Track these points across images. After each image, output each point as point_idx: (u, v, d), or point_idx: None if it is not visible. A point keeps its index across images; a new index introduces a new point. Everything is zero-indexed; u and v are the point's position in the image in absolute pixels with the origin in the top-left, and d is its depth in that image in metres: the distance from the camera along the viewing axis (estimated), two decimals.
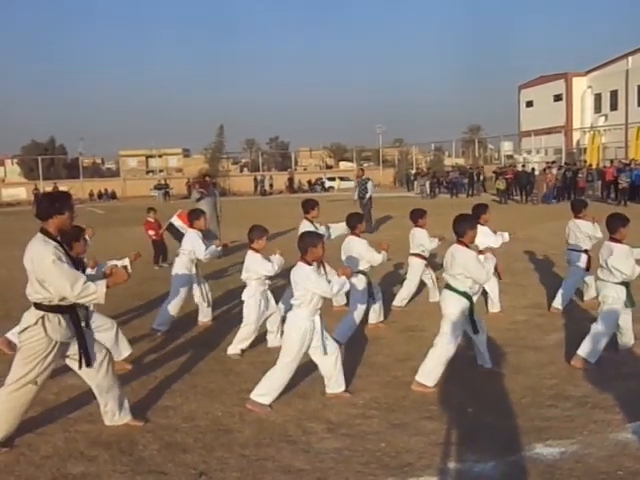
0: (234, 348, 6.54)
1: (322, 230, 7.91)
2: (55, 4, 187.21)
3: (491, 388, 5.45)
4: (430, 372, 5.41)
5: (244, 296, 6.54)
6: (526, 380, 5.58)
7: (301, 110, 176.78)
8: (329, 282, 5.05)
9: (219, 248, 8.12)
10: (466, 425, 4.71)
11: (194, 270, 7.69)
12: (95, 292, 4.26)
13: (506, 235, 7.71)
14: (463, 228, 5.51)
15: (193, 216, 7.87)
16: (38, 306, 4.33)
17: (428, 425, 4.70)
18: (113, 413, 4.78)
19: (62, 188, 49.03)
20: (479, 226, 7.17)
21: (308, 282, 5.01)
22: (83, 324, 4.62)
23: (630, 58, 48.61)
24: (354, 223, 7.10)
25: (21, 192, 50.04)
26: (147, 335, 7.43)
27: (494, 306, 7.93)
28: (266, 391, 5.11)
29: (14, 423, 4.45)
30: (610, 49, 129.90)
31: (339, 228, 7.97)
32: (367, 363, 6.24)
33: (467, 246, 5.48)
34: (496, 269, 7.51)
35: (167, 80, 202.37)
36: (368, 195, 18.53)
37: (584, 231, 7.73)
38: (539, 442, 4.34)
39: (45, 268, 4.21)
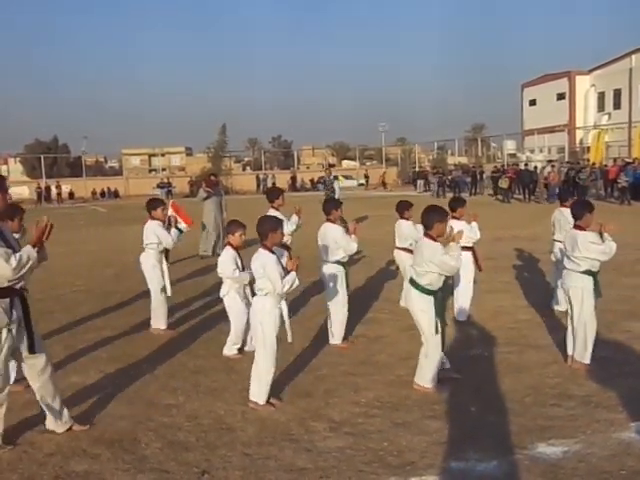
0: (230, 349, 6.51)
1: (294, 219, 7.91)
2: (57, 3, 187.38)
3: (494, 387, 5.44)
4: (425, 373, 5.39)
5: (221, 294, 6.51)
6: (529, 379, 5.57)
7: (304, 109, 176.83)
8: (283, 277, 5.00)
9: (183, 227, 7.78)
10: (469, 424, 4.70)
11: (164, 261, 7.57)
12: (29, 257, 4.26)
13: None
14: (432, 220, 5.30)
15: (151, 206, 7.57)
16: None
17: (431, 424, 4.69)
18: (56, 418, 4.66)
19: (65, 186, 49.31)
20: (456, 220, 7.17)
21: (268, 270, 4.99)
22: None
23: (634, 56, 48.52)
24: (329, 209, 6.91)
25: (24, 191, 50.06)
26: (148, 333, 7.45)
27: (460, 314, 7.61)
28: (257, 389, 5.12)
29: None
30: (614, 48, 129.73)
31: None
32: (370, 362, 6.23)
33: (434, 239, 5.30)
34: (476, 261, 7.52)
35: (169, 79, 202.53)
36: (336, 195, 18.71)
37: (570, 220, 7.57)
38: (542, 441, 4.33)
39: None
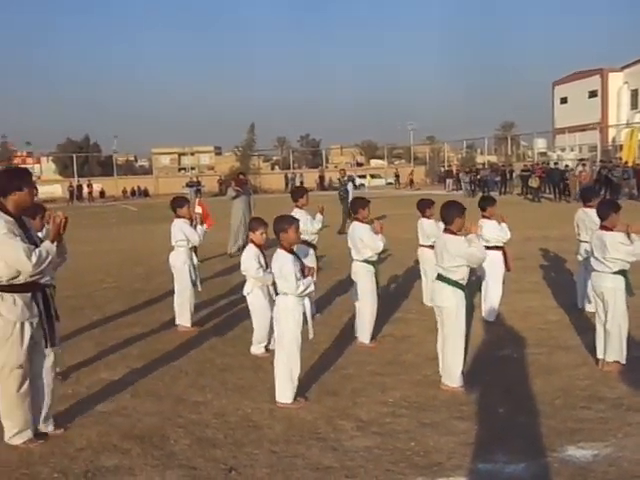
0: (257, 347, 6.54)
1: (319, 218, 7.91)
2: (89, 5, 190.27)
3: (523, 388, 5.38)
4: (451, 373, 5.36)
5: (244, 292, 6.53)
6: (559, 381, 5.49)
7: (332, 108, 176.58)
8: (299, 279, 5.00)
9: (204, 228, 7.93)
10: (497, 425, 4.66)
11: (194, 257, 7.68)
12: (48, 253, 4.31)
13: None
14: (452, 215, 5.33)
15: (176, 205, 7.68)
16: None
17: (459, 425, 4.66)
18: (47, 418, 4.64)
19: (96, 185, 50.04)
20: (486, 220, 7.12)
21: (284, 271, 5.01)
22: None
23: None
24: (356, 208, 6.91)
25: (56, 189, 51.01)
26: (177, 331, 7.53)
27: (490, 314, 7.56)
28: (281, 388, 5.15)
29: (23, 414, 4.41)
30: None
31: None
32: (397, 361, 6.21)
33: (455, 234, 5.30)
34: (506, 261, 7.44)
35: (199, 79, 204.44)
36: (350, 196, 18.73)
37: (596, 220, 7.43)
38: (571, 444, 4.26)
39: None
